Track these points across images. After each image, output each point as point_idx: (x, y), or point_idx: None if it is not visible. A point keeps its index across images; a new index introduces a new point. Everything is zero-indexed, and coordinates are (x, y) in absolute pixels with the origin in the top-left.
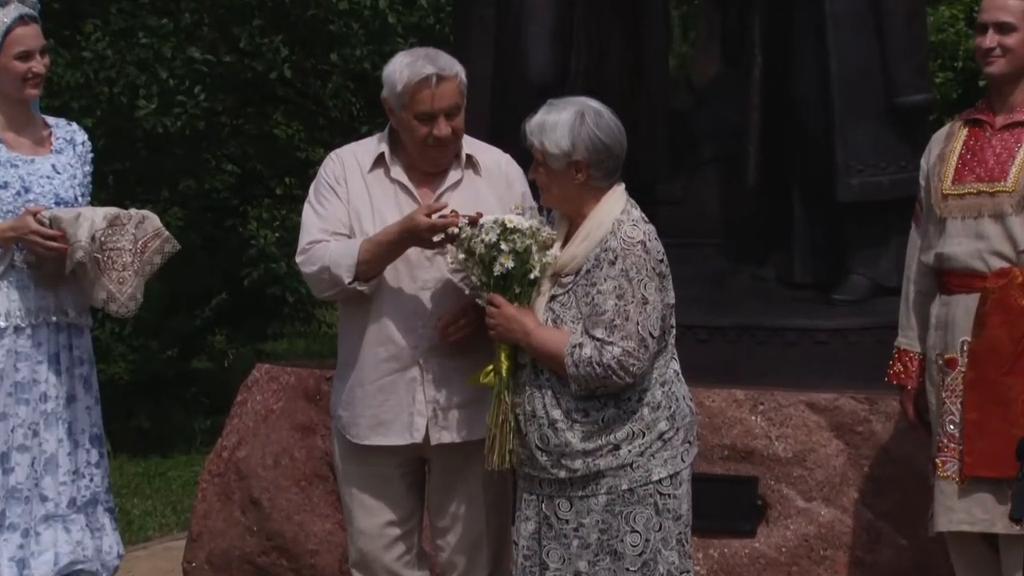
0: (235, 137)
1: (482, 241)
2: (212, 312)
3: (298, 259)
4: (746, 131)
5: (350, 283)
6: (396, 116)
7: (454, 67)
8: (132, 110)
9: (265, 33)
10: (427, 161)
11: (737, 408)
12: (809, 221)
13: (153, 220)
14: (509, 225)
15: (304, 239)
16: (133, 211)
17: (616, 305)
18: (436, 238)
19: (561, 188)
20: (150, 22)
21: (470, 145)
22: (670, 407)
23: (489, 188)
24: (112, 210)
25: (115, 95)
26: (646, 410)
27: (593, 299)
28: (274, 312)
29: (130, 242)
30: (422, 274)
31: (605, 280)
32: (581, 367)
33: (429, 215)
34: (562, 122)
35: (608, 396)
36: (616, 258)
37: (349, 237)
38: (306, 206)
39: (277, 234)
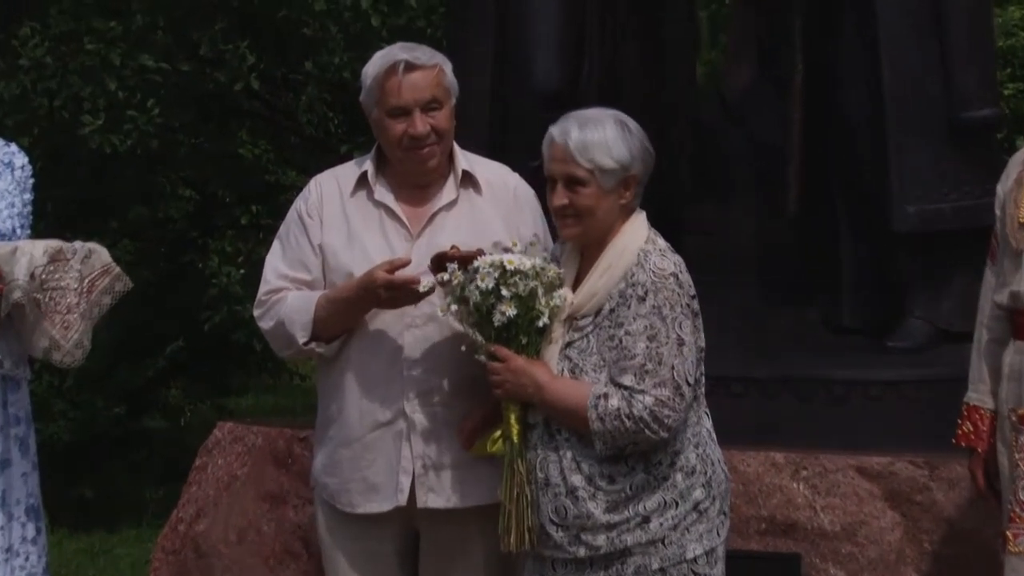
0: (194, 158)
1: (477, 288)
2: (166, 362)
3: (255, 312)
4: (786, 150)
5: (305, 344)
6: (372, 119)
7: (433, 58)
8: (75, 127)
9: (229, 38)
10: (409, 170)
11: (776, 474)
12: (860, 255)
13: (101, 254)
14: (509, 267)
15: (262, 288)
16: (78, 244)
17: (648, 347)
18: (423, 287)
19: (606, 212)
20: (96, 25)
21: (467, 160)
22: (706, 472)
23: (493, 208)
24: (54, 243)
25: (56, 109)
26: (679, 476)
27: (621, 341)
28: (238, 362)
29: (75, 280)
30: (410, 309)
31: (635, 319)
32: (608, 421)
33: (392, 271)
34: (610, 135)
35: (637, 458)
36: (646, 293)
37: (321, 280)
38: (274, 243)
39: (242, 271)
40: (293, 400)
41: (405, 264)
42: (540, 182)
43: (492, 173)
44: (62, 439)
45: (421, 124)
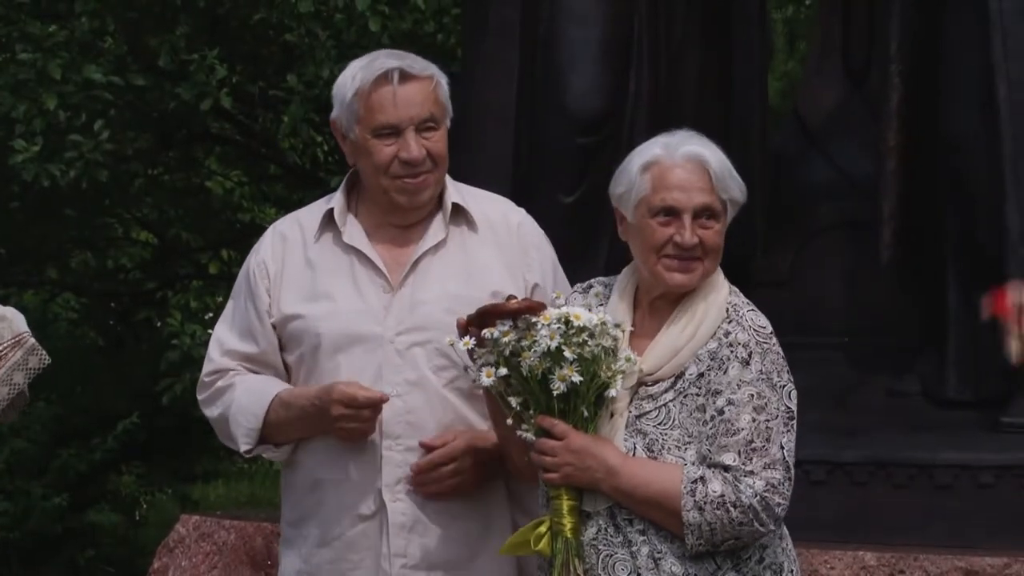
0: (152, 193)
1: (535, 348)
2: (117, 443)
3: (198, 395)
4: (879, 183)
5: (248, 451)
6: (349, 141)
7: (427, 68)
8: (5, 154)
9: (194, 45)
10: (396, 203)
11: None
12: (969, 312)
13: (13, 322)
14: (576, 322)
15: (205, 367)
16: None
17: (754, 420)
18: (461, 344)
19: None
20: (31, 30)
21: (458, 191)
22: (792, 571)
23: (492, 250)
24: None
25: None
26: (768, 575)
27: (722, 412)
28: (205, 442)
29: None
30: (392, 374)
31: (739, 386)
32: (708, 511)
33: (353, 390)
34: (725, 159)
35: (726, 555)
36: (751, 355)
37: (273, 353)
38: (227, 305)
39: (210, 330)
40: (272, 490)
41: (379, 401)
42: (560, 222)
43: (490, 208)
44: None
45: (416, 147)
